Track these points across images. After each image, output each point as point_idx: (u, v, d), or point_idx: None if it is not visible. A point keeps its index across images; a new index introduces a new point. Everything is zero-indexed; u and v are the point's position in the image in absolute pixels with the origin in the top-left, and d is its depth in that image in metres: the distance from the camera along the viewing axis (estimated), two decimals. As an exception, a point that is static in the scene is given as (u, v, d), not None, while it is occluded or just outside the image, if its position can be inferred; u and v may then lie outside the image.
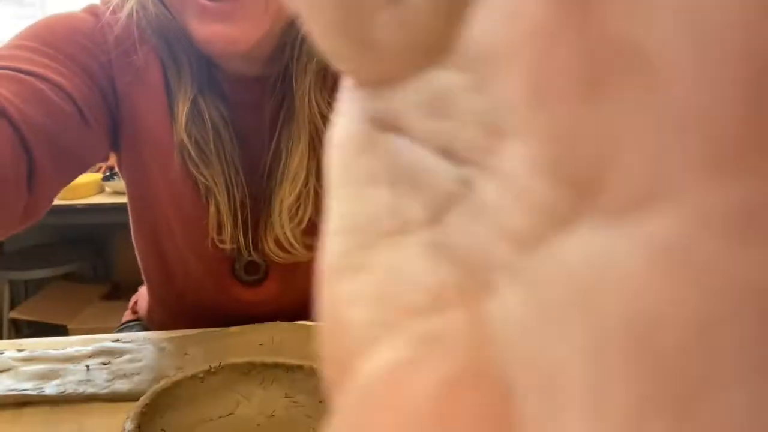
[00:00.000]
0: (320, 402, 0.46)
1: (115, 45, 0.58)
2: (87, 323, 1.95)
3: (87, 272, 2.39)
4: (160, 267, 0.68)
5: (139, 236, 0.69)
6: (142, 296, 0.84)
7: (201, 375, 0.47)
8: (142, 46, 0.58)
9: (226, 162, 0.60)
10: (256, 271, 0.64)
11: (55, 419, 0.49)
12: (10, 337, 2.01)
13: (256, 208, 0.62)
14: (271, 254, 0.62)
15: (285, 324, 0.63)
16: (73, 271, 2.20)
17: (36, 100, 0.49)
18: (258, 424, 0.46)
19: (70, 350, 0.58)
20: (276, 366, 0.48)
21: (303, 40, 0.57)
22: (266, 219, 0.61)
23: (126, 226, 0.72)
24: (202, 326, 0.67)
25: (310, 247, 0.61)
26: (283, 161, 0.60)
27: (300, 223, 0.61)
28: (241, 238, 0.61)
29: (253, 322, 0.64)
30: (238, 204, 0.61)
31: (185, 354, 0.57)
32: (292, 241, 0.61)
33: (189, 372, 0.47)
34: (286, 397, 0.48)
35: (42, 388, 0.52)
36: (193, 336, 0.61)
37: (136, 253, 0.72)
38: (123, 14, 0.58)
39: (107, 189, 1.92)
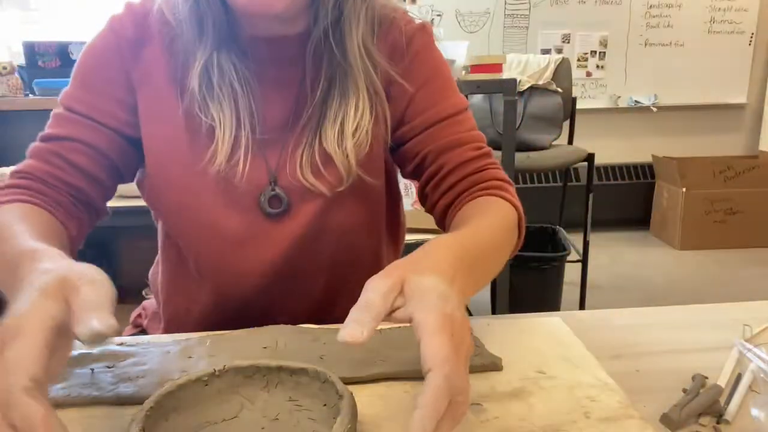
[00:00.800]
0: (324, 405, 0.46)
1: (134, 40, 0.67)
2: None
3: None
4: (187, 223, 0.69)
5: (163, 196, 0.70)
6: (146, 306, 0.84)
7: (205, 378, 0.47)
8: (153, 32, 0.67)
9: (233, 104, 0.65)
10: (279, 205, 0.67)
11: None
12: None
13: (280, 146, 0.67)
14: (305, 180, 0.66)
15: (289, 327, 0.63)
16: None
17: (97, 163, 0.67)
18: (262, 428, 0.46)
19: (75, 353, 0.58)
20: (280, 369, 0.48)
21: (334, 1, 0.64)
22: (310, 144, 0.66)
23: (131, 230, 0.73)
24: (221, 294, 0.70)
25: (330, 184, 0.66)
26: (333, 110, 0.66)
27: (358, 147, 0.65)
28: (268, 166, 0.67)
29: (274, 269, 0.68)
30: (249, 137, 0.65)
31: (189, 357, 0.57)
32: (349, 157, 0.65)
33: (193, 375, 0.47)
34: (290, 400, 0.47)
35: (47, 391, 0.52)
36: (198, 339, 0.61)
37: (158, 226, 0.74)
38: None
39: (112, 193, 1.93)
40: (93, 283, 0.40)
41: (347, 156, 0.65)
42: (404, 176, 0.77)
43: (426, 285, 0.41)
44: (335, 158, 0.65)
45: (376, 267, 0.75)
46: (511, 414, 0.49)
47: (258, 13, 0.62)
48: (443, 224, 0.72)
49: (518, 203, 0.67)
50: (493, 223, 0.60)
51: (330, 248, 0.70)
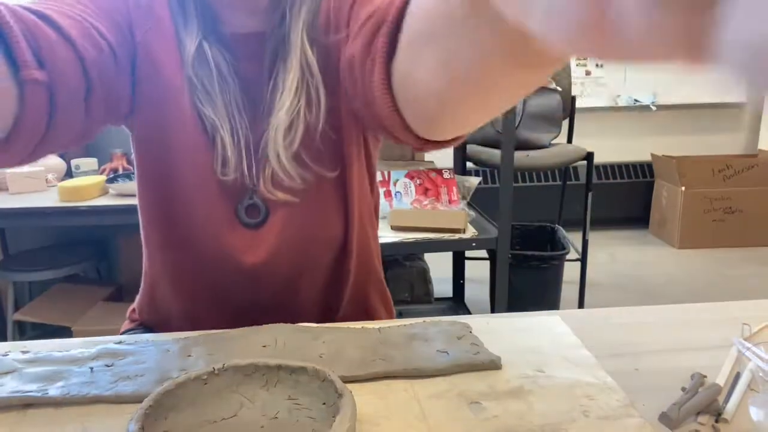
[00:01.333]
0: (323, 404, 0.46)
1: (134, 4, 0.64)
2: (91, 325, 1.95)
3: (91, 274, 2.40)
4: (164, 218, 0.68)
5: (145, 189, 0.69)
6: (141, 296, 0.84)
7: (204, 377, 0.47)
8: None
9: (230, 102, 0.64)
10: (257, 215, 0.67)
11: (59, 421, 0.49)
12: (14, 339, 2.01)
13: (257, 146, 0.66)
14: (270, 190, 0.65)
15: (288, 326, 0.63)
16: (76, 273, 2.20)
17: (88, 35, 0.54)
18: (261, 426, 0.46)
19: (73, 352, 0.58)
20: (279, 368, 0.48)
21: None
22: (265, 152, 0.65)
23: (130, 228, 0.72)
24: (202, 286, 0.70)
25: (304, 180, 0.65)
26: (279, 96, 0.64)
27: (292, 144, 0.64)
28: (245, 169, 0.66)
29: (251, 276, 0.67)
30: (242, 139, 0.65)
31: (188, 356, 0.57)
32: (287, 166, 0.63)
33: (192, 374, 0.47)
34: (289, 399, 0.47)
35: (46, 390, 0.52)
36: (197, 338, 0.61)
37: (139, 212, 0.72)
38: None
39: (111, 191, 1.93)
40: None
41: (283, 162, 0.64)
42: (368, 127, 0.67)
43: None
44: (274, 166, 0.64)
45: (355, 242, 0.73)
46: (510, 412, 0.49)
47: (243, 7, 0.62)
48: (388, 76, 0.47)
49: None
50: None
51: (310, 249, 0.69)
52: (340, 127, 0.67)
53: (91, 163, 2.12)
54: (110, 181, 1.93)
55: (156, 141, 0.66)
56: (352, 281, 0.74)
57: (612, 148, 3.70)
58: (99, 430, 0.48)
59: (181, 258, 0.70)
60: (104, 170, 2.10)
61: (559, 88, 2.46)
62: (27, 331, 2.16)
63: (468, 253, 2.49)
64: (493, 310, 2.08)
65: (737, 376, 0.53)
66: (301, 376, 0.47)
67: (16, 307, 2.06)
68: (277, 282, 0.70)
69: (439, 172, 1.91)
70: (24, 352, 0.59)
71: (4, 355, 0.58)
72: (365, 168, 0.73)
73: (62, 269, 2.12)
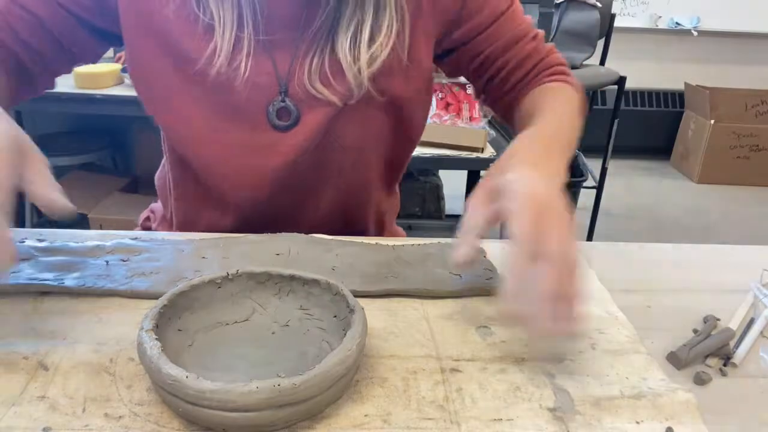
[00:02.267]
0: (334, 317, 0.46)
1: None
2: (107, 214, 1.99)
3: (106, 163, 2.41)
4: (185, 131, 0.66)
5: (166, 108, 0.66)
6: (154, 210, 0.84)
7: (219, 281, 0.47)
8: None
9: (238, 2, 0.60)
10: (288, 118, 0.64)
11: (74, 310, 0.50)
12: (32, 221, 2.06)
13: (291, 51, 0.63)
14: (315, 89, 0.62)
15: (302, 236, 0.62)
16: (92, 161, 2.21)
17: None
18: (272, 332, 0.47)
19: (89, 244, 0.59)
20: (292, 278, 0.48)
21: None
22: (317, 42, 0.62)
23: (145, 120, 0.70)
24: (227, 201, 0.69)
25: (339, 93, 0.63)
26: (347, 16, 0.60)
27: (372, 60, 0.61)
28: (278, 74, 0.63)
29: (273, 180, 0.66)
30: (251, 37, 0.61)
31: (203, 258, 0.57)
32: (364, 78, 0.61)
33: (207, 277, 0.47)
34: (300, 309, 0.48)
35: (62, 279, 0.53)
36: (212, 240, 0.61)
37: (163, 135, 0.71)
38: None
39: (126, 81, 1.89)
40: (43, 160, 0.47)
41: (359, 67, 0.61)
42: (453, 75, 0.77)
43: (509, 179, 0.47)
44: (345, 68, 0.61)
45: (379, 177, 0.74)
46: (517, 339, 0.49)
47: None
48: (509, 115, 0.74)
49: (578, 84, 0.72)
50: (564, 104, 0.65)
51: (337, 159, 0.68)
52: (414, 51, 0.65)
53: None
54: (125, 70, 1.89)
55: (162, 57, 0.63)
56: (373, 201, 0.74)
57: (644, 73, 3.55)
58: (113, 323, 0.49)
59: (206, 163, 0.68)
60: (119, 58, 2.05)
61: (599, 4, 2.31)
62: (44, 215, 2.21)
63: (483, 173, 2.47)
64: (502, 233, 2.08)
65: (751, 322, 0.52)
66: (314, 288, 0.48)
67: (34, 191, 2.09)
68: (297, 189, 0.69)
69: (463, 87, 1.84)
70: (40, 240, 0.59)
71: (20, 242, 0.58)
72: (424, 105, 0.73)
73: (78, 156, 2.13)
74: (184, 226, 0.75)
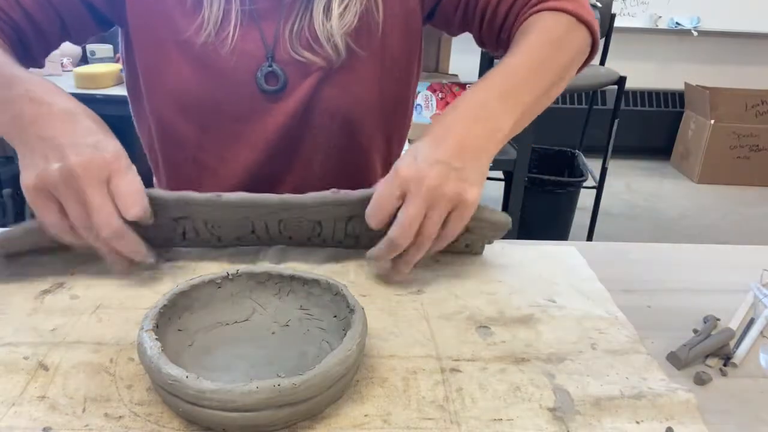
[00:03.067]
0: (334, 317, 0.46)
1: None
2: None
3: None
4: (175, 97, 0.67)
5: (156, 80, 0.68)
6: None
7: (218, 281, 0.47)
8: None
9: None
10: (276, 82, 0.67)
11: (74, 310, 0.50)
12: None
13: (276, 19, 0.66)
14: (297, 54, 0.65)
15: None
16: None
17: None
18: (272, 333, 0.47)
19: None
20: (293, 279, 0.48)
21: None
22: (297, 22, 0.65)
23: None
24: (220, 164, 0.70)
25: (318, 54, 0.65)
26: None
27: (346, 25, 0.64)
28: (264, 40, 0.65)
29: (270, 144, 0.68)
30: (238, 5, 0.64)
31: (182, 217, 0.55)
32: (338, 42, 0.64)
33: (207, 277, 0.47)
34: (300, 309, 0.48)
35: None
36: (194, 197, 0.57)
37: (149, 114, 0.71)
38: None
39: (126, 81, 1.89)
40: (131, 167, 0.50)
41: (330, 30, 0.64)
42: (454, 33, 0.75)
43: (397, 165, 0.51)
44: (318, 32, 0.64)
45: (375, 150, 0.75)
46: (518, 339, 0.49)
47: None
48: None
49: (580, 6, 0.64)
50: (537, 37, 0.61)
51: (326, 124, 0.69)
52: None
53: (106, 49, 2.07)
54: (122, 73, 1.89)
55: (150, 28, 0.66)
56: (357, 167, 0.75)
57: (644, 73, 3.54)
58: (114, 322, 0.49)
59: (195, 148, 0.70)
60: (119, 58, 2.05)
61: (599, 4, 2.31)
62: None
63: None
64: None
65: (751, 322, 0.52)
66: (314, 288, 0.48)
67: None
68: (290, 153, 0.70)
69: (463, 86, 1.84)
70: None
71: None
72: (416, 60, 0.73)
73: (78, 157, 2.12)
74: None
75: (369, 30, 0.66)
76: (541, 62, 0.59)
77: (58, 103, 0.50)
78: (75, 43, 0.70)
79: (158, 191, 0.52)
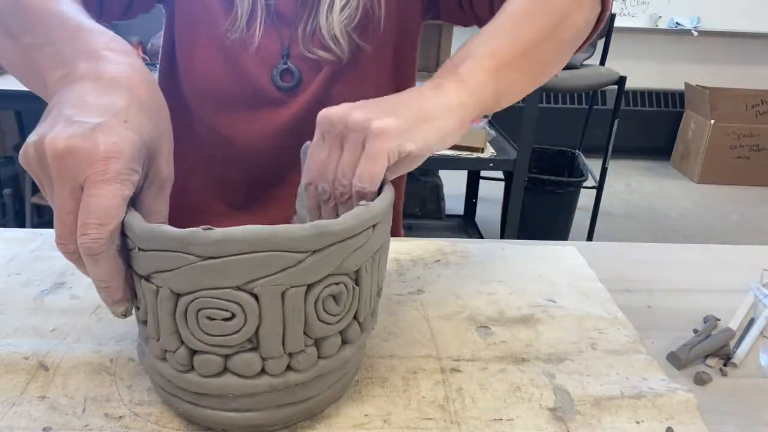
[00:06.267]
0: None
1: None
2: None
3: (106, 163, 2.41)
4: (200, 86, 0.69)
5: (170, 72, 0.70)
6: None
7: None
8: None
9: None
10: (290, 79, 0.69)
11: (74, 310, 0.50)
12: (32, 221, 2.06)
13: (292, 18, 0.67)
14: (309, 48, 0.66)
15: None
16: (92, 161, 2.20)
17: None
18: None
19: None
20: None
21: None
22: (308, 21, 0.67)
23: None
24: (233, 152, 0.72)
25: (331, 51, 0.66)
26: None
27: (348, 20, 0.65)
28: (281, 39, 0.67)
29: (283, 136, 0.69)
30: (263, 4, 0.66)
31: None
32: (338, 35, 0.65)
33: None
34: None
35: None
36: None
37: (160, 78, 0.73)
38: None
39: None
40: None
41: (332, 28, 0.65)
42: (452, 20, 0.73)
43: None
44: (324, 31, 0.65)
45: None
46: (517, 339, 0.49)
47: None
48: None
49: None
50: (511, 11, 0.53)
51: None
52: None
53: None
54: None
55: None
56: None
57: (644, 73, 3.54)
58: (114, 322, 0.49)
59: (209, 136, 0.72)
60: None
61: (598, 5, 2.30)
62: (45, 214, 2.21)
63: (483, 173, 2.47)
64: (503, 232, 2.09)
65: (751, 322, 0.52)
66: None
67: (34, 191, 2.09)
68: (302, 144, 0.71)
69: (463, 86, 1.84)
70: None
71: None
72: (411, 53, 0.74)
73: (78, 157, 2.12)
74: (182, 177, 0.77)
75: (372, 25, 0.68)
76: (521, 17, 0.52)
77: (109, 69, 0.39)
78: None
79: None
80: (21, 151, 0.36)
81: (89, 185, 0.33)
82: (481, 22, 0.69)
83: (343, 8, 0.65)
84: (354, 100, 0.67)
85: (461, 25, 0.74)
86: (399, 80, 0.73)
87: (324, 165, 0.42)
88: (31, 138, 0.35)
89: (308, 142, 0.49)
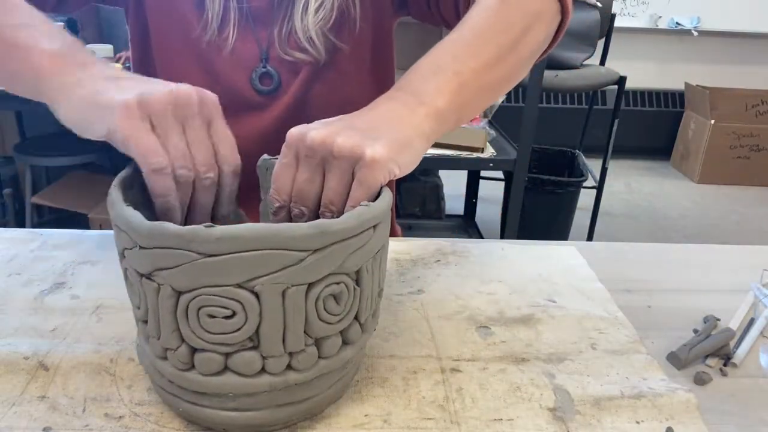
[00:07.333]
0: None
1: None
2: (107, 213, 1.98)
3: (106, 163, 2.41)
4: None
5: (165, 68, 0.69)
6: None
7: None
8: None
9: None
10: (270, 83, 0.69)
11: (74, 310, 0.50)
12: (32, 221, 2.06)
13: (269, 21, 0.67)
14: (287, 51, 0.66)
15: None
16: (92, 161, 2.21)
17: None
18: None
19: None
20: None
21: None
22: (284, 24, 0.66)
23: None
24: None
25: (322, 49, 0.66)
26: None
27: (323, 22, 0.65)
28: (258, 42, 0.67)
29: (265, 139, 0.66)
30: (235, 7, 0.65)
31: None
32: (314, 37, 0.65)
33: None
34: None
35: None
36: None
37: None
38: None
39: (126, 81, 1.89)
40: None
41: (306, 30, 0.65)
42: (426, 19, 0.72)
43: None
44: (299, 32, 0.65)
45: None
46: (517, 339, 0.49)
47: None
48: None
49: None
50: (473, 25, 0.53)
51: (319, 117, 0.70)
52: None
53: (106, 49, 2.06)
54: (125, 69, 1.89)
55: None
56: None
57: (644, 73, 3.54)
58: (114, 322, 0.49)
59: None
60: (119, 58, 2.05)
61: (599, 4, 2.31)
62: (45, 215, 2.21)
63: (483, 173, 2.47)
64: (503, 232, 2.09)
65: (751, 322, 0.52)
66: None
67: (34, 191, 2.09)
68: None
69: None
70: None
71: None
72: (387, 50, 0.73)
73: (78, 156, 2.13)
74: None
75: (348, 25, 0.67)
76: (483, 32, 0.52)
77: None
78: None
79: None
80: (140, 103, 0.39)
81: (217, 121, 0.43)
82: (448, 24, 0.68)
83: (317, 9, 0.65)
84: (334, 99, 0.68)
85: (431, 24, 0.74)
86: (378, 78, 0.73)
87: (302, 189, 0.41)
88: (155, 88, 0.40)
89: (265, 156, 0.49)
